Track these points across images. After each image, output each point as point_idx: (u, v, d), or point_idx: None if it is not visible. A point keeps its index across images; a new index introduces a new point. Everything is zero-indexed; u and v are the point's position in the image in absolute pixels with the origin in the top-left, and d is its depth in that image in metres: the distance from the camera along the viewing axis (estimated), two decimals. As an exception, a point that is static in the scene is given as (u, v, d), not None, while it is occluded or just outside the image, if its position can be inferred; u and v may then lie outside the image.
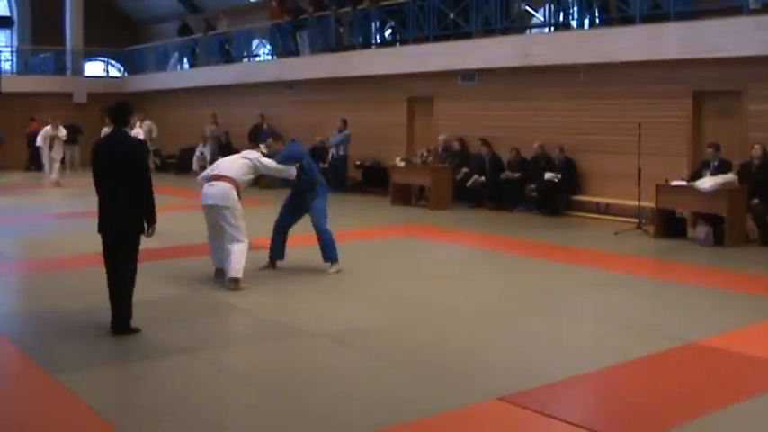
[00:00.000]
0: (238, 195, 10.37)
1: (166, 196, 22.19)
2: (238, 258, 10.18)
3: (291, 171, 11.16)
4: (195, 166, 29.47)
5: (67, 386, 6.68)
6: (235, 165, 10.68)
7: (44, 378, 6.98)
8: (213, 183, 10.41)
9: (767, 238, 13.94)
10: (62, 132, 25.26)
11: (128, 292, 8.30)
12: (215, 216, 10.39)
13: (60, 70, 35.04)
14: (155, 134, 30.28)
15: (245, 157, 10.82)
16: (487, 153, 19.19)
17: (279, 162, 11.08)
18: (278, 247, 11.64)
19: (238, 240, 10.21)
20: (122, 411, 6.19)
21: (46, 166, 25.87)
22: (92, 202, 8.54)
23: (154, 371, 7.19)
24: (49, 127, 25.46)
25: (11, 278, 11.59)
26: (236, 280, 10.19)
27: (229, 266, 10.20)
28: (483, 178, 19.08)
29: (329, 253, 11.44)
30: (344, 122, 22.88)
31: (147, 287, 10.49)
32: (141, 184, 8.29)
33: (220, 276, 10.57)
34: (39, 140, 25.78)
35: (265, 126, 25.97)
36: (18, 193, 23.08)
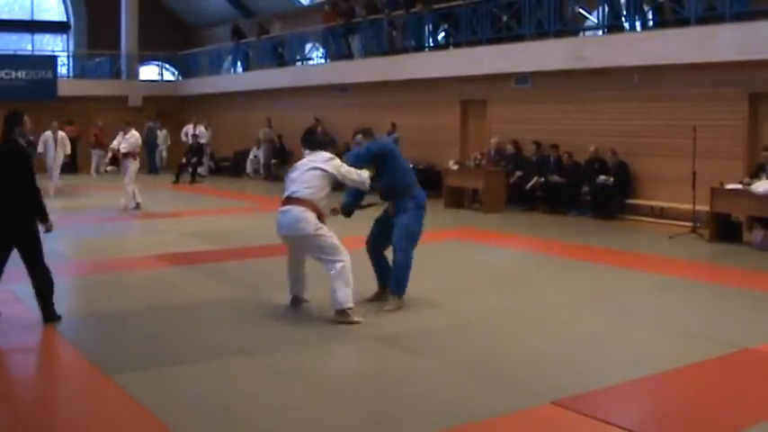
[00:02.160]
0: (319, 216, 8.76)
1: (220, 199, 22.44)
2: (341, 286, 8.61)
3: (364, 178, 9.06)
4: (249, 169, 29.81)
5: (123, 386, 6.75)
6: (304, 178, 8.86)
7: (99, 378, 7.07)
8: (284, 208, 8.77)
9: (824, 243, 13.79)
10: (60, 136, 23.47)
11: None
12: (295, 245, 9.02)
13: (116, 74, 35.48)
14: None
15: (317, 167, 8.83)
16: (554, 155, 19.14)
17: (349, 158, 9.21)
18: (380, 270, 9.69)
19: (335, 264, 8.63)
20: (177, 412, 6.25)
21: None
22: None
23: (209, 372, 7.25)
24: (49, 132, 23.34)
25: (69, 278, 11.67)
26: (342, 312, 8.67)
27: (334, 298, 8.67)
28: (543, 179, 19.02)
29: (397, 281, 9.39)
30: (393, 125, 23.00)
31: (203, 289, 10.67)
32: (30, 188, 8.73)
33: (295, 305, 9.41)
34: (39, 146, 22.85)
35: (319, 129, 26.11)
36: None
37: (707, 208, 14.81)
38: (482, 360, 7.64)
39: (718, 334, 8.54)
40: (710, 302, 10.23)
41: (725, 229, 14.64)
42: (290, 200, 8.77)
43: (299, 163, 9.19)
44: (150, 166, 31.57)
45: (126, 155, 19.39)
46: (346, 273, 8.64)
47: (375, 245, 9.67)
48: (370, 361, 7.68)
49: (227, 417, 6.16)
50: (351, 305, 8.66)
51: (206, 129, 29.55)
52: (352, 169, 8.95)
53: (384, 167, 9.34)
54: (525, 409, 6.33)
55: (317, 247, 8.70)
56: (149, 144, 31.45)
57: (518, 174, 19.54)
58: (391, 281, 9.42)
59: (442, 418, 6.12)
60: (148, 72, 39.27)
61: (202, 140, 29.19)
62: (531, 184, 19.21)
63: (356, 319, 8.66)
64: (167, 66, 38.99)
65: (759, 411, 6.35)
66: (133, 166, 19.41)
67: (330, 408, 6.39)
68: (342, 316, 8.65)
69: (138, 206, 19.40)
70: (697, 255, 13.59)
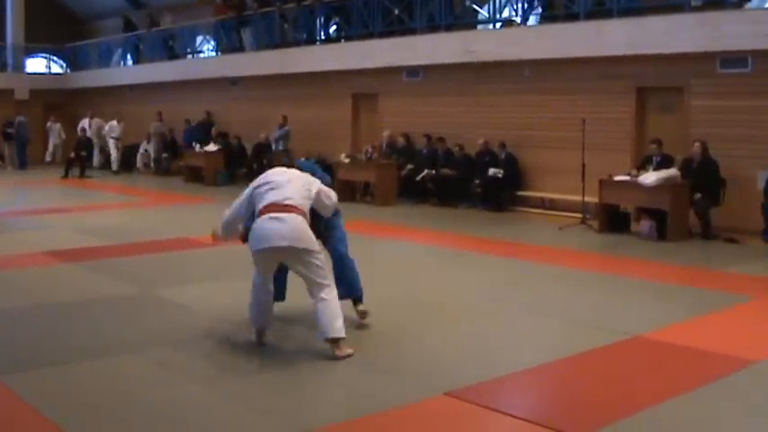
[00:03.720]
0: None
1: (110, 194, 22.09)
2: (337, 311, 7.47)
3: (335, 201, 8.17)
4: (139, 164, 29.31)
5: (9, 386, 6.59)
6: (295, 187, 7.59)
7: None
8: (279, 215, 7.32)
9: (709, 233, 14.09)
10: None
11: None
12: (285, 261, 7.68)
13: (1, 66, 34.54)
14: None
15: (306, 186, 7.70)
16: (443, 148, 19.20)
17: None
18: (281, 283, 8.44)
19: (330, 287, 7.54)
20: (68, 411, 6.11)
21: None
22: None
23: (100, 370, 7.11)
24: None
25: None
26: (338, 340, 7.42)
27: (327, 324, 7.39)
28: (434, 172, 19.07)
29: (354, 287, 8.50)
30: (285, 118, 23.13)
31: (93, 285, 10.45)
32: None
33: (262, 340, 7.89)
34: None
35: (193, 123, 26.05)
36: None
37: (596, 199, 15.06)
38: (378, 353, 7.64)
39: (609, 322, 8.68)
40: (602, 291, 10.42)
41: (613, 220, 14.88)
42: (286, 207, 7.37)
43: (277, 170, 7.83)
44: (19, 161, 30.76)
45: None
46: (338, 300, 7.63)
47: None
48: (266, 356, 7.60)
49: (119, 415, 6.05)
50: (343, 334, 7.47)
51: (118, 123, 28.95)
52: (333, 195, 8.02)
53: None
54: (418, 401, 6.34)
55: (314, 267, 7.43)
56: (19, 139, 30.66)
57: (409, 167, 19.59)
58: (354, 287, 8.47)
59: (334, 411, 6.12)
60: (36, 65, 38.36)
61: (114, 135, 28.70)
62: (421, 176, 19.25)
63: (349, 351, 7.44)
64: (55, 58, 38.16)
65: (650, 397, 6.43)
66: None
67: (220, 403, 6.32)
68: (335, 344, 7.42)
69: None
70: (587, 245, 13.80)
